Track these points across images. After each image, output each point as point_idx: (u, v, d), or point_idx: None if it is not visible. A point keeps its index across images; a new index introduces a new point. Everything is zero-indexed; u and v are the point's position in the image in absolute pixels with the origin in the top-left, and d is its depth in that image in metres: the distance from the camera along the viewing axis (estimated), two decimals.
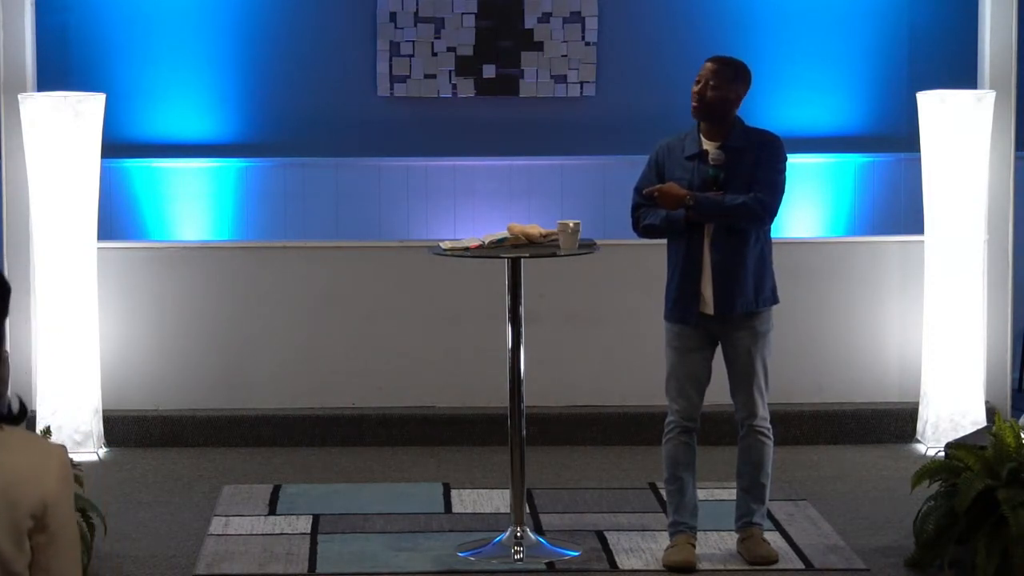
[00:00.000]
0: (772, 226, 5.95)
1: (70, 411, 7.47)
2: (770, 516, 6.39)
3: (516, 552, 6.02)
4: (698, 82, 5.88)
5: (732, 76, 5.88)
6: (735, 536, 6.08)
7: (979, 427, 7.16)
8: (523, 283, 6.05)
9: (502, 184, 9.01)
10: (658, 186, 5.86)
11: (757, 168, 5.86)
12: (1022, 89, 8.07)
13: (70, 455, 6.55)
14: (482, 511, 6.67)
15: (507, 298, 6.06)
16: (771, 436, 5.99)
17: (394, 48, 8.92)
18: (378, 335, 7.96)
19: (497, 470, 7.23)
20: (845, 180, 9.08)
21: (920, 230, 7.88)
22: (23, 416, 2.72)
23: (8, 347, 2.80)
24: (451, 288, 7.93)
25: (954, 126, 7.62)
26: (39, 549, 2.69)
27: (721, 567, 5.92)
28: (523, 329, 6.07)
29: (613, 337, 7.96)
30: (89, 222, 7.52)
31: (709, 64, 5.91)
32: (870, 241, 8.15)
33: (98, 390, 7.58)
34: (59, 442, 4.76)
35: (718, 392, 6.12)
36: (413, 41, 8.91)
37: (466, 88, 8.95)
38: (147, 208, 8.90)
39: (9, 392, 2.80)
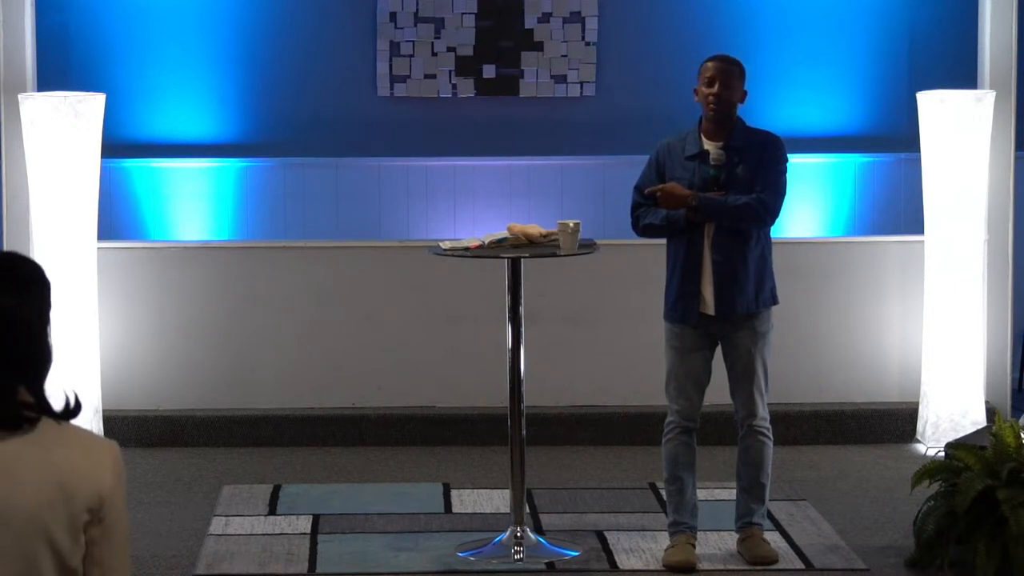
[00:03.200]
0: (772, 226, 5.96)
1: None
2: (770, 516, 6.38)
3: (516, 552, 6.02)
4: (711, 82, 5.85)
5: (740, 74, 5.89)
6: (735, 536, 6.08)
7: (979, 427, 7.16)
8: (523, 283, 6.05)
9: (502, 184, 9.01)
10: (660, 186, 5.86)
11: (759, 169, 5.86)
12: (1022, 89, 8.07)
13: None
14: (482, 511, 6.67)
15: (507, 298, 6.06)
16: (771, 436, 5.99)
17: (394, 48, 8.91)
18: (378, 335, 7.96)
19: (497, 470, 7.23)
20: (845, 180, 9.07)
21: (920, 230, 7.88)
22: (78, 411, 2.76)
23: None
24: (451, 288, 7.93)
25: (954, 126, 7.61)
26: (94, 542, 2.73)
27: (721, 567, 5.92)
28: (523, 329, 6.07)
29: (613, 337, 7.95)
30: (89, 222, 7.52)
31: (717, 64, 5.88)
32: (870, 241, 8.14)
33: (98, 390, 7.58)
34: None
35: (718, 392, 6.12)
36: (413, 41, 8.91)
37: (466, 88, 8.95)
38: (147, 208, 8.90)
39: (64, 388, 2.84)
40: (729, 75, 5.85)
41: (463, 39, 8.92)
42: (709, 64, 5.90)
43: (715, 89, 5.84)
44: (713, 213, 5.81)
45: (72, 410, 2.75)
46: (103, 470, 2.75)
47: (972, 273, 7.69)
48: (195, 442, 7.78)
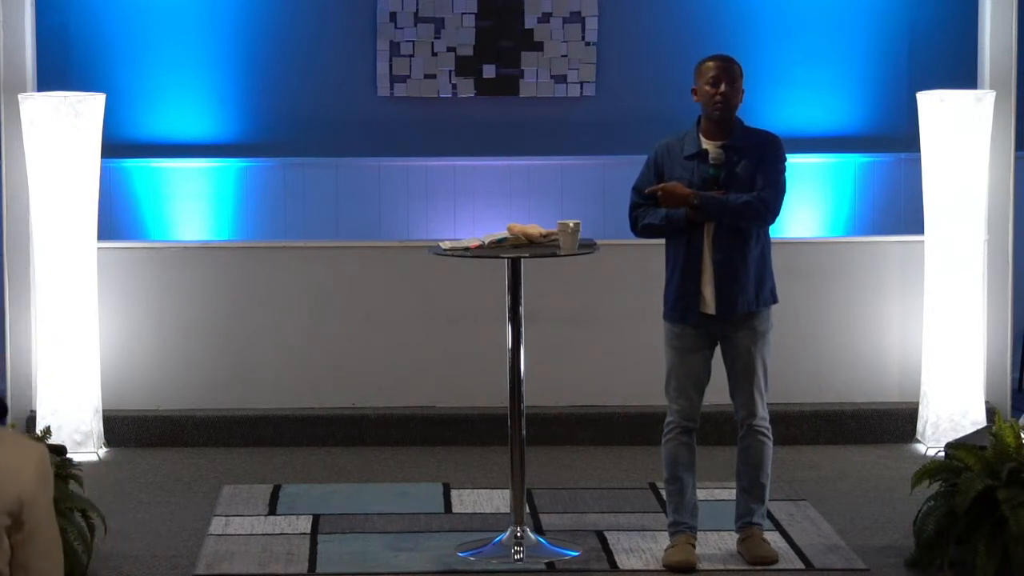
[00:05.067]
0: (772, 226, 5.95)
1: (70, 411, 7.47)
2: (770, 516, 6.38)
3: (516, 552, 6.02)
4: (716, 82, 5.83)
5: (740, 74, 5.88)
6: (735, 536, 6.08)
7: (979, 427, 7.16)
8: (523, 283, 6.05)
9: (502, 184, 9.01)
10: (661, 185, 5.85)
11: (759, 168, 5.85)
12: (1022, 89, 8.07)
13: (70, 455, 6.55)
14: (482, 511, 6.67)
15: (507, 298, 6.06)
16: (771, 436, 5.99)
17: (394, 48, 8.92)
18: (378, 335, 7.96)
19: (497, 470, 7.23)
20: (845, 180, 9.08)
21: (920, 230, 7.88)
22: (4, 414, 2.71)
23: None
24: (451, 288, 7.93)
25: (954, 126, 7.62)
26: (17, 547, 2.68)
27: (721, 567, 5.92)
28: (523, 329, 6.07)
29: (613, 337, 7.96)
30: (89, 222, 7.52)
31: (720, 63, 5.86)
32: (870, 241, 8.15)
33: (98, 390, 7.58)
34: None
35: (718, 392, 6.12)
36: (413, 41, 8.91)
37: (466, 88, 8.95)
38: (147, 208, 8.91)
39: None
40: (733, 74, 5.85)
41: (463, 39, 8.92)
42: (710, 64, 5.88)
43: (721, 88, 5.82)
44: (714, 212, 5.81)
45: None
46: (25, 474, 2.68)
47: (972, 273, 7.69)
48: (195, 442, 7.79)
